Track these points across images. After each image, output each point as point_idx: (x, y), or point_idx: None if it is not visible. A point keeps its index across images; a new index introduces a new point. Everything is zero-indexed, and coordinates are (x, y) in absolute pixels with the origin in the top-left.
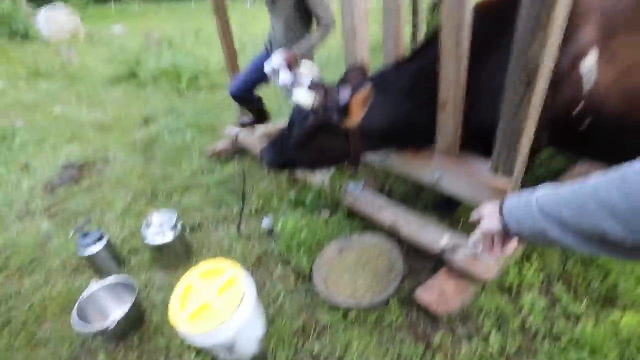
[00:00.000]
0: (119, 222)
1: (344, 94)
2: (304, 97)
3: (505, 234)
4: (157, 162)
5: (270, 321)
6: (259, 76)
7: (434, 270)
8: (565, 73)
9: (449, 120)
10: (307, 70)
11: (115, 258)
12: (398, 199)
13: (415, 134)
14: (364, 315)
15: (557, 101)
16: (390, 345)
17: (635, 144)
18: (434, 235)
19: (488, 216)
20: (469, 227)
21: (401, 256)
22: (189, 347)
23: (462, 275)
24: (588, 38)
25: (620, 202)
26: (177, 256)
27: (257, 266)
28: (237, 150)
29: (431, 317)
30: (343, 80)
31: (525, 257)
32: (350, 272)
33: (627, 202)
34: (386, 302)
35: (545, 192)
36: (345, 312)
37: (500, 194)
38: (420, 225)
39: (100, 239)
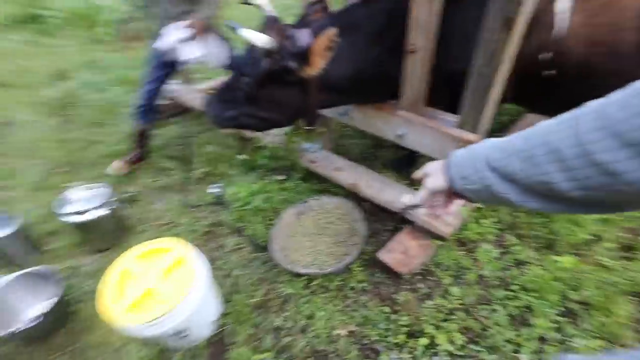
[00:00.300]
0: (31, 200)
1: (304, 37)
2: (258, 36)
3: (451, 192)
4: (77, 126)
5: (227, 299)
6: (162, 73)
7: (396, 229)
8: (538, 14)
9: (417, 70)
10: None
11: (29, 244)
12: (355, 159)
13: (383, 85)
14: (326, 282)
15: (526, 46)
16: (355, 310)
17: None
18: (395, 195)
19: (433, 173)
20: None
21: (362, 218)
22: (131, 340)
23: (423, 233)
24: None
25: (569, 146)
26: (108, 236)
27: (207, 239)
28: (177, 110)
29: (394, 276)
30: (302, 19)
31: (482, 210)
32: (310, 237)
33: (575, 145)
34: (349, 266)
35: (493, 144)
36: (308, 281)
37: None
38: (381, 186)
39: (7, 222)
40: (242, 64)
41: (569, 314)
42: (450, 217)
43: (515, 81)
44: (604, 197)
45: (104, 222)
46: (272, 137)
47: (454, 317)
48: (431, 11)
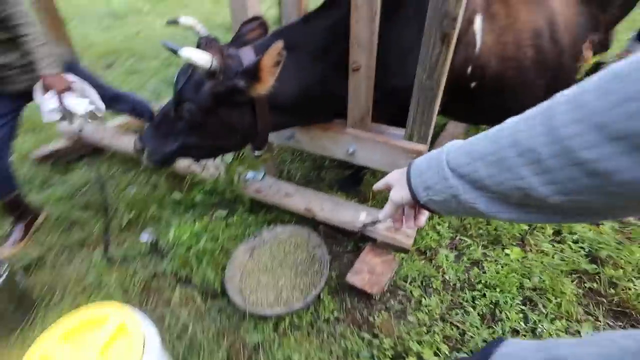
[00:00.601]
0: None
1: (247, 54)
2: (200, 56)
3: (415, 203)
4: None
5: None
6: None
7: (357, 249)
8: (461, 33)
9: (362, 86)
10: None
11: None
12: (300, 184)
13: (328, 104)
14: (296, 319)
15: (455, 61)
16: (333, 343)
17: (508, 107)
18: (351, 214)
19: (396, 184)
20: (379, 203)
21: (321, 243)
22: None
23: (385, 248)
24: (476, 1)
25: (544, 144)
26: (4, 317)
27: (146, 297)
28: (83, 152)
29: (364, 298)
30: (236, 38)
31: (434, 217)
32: (269, 273)
33: (551, 143)
34: (318, 297)
35: (456, 147)
36: (276, 322)
37: None
38: (335, 207)
39: None
40: (182, 89)
41: (528, 302)
42: (409, 229)
43: (445, 93)
44: (591, 202)
45: None
46: (209, 170)
47: (433, 328)
48: (371, 29)
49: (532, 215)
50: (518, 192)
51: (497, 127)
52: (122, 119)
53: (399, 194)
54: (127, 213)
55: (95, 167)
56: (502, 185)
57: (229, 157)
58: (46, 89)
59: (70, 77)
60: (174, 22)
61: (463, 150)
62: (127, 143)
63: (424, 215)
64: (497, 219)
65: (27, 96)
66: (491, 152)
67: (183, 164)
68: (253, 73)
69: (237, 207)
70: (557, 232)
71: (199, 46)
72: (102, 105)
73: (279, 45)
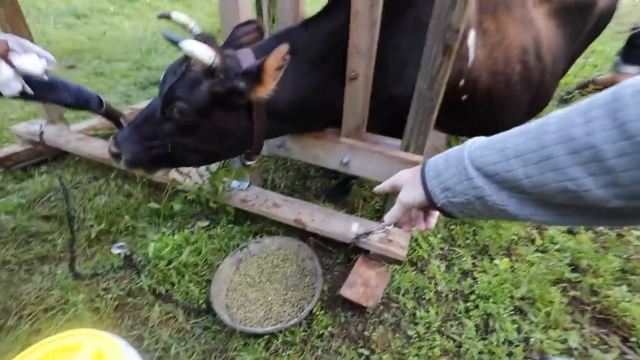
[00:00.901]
0: None
1: (246, 56)
2: (203, 50)
3: (430, 205)
4: None
5: None
6: None
7: (348, 261)
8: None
9: (359, 96)
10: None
11: None
12: (285, 193)
13: (324, 112)
14: (289, 335)
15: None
16: None
17: (494, 119)
18: (342, 225)
19: (406, 185)
20: (368, 213)
21: (311, 255)
22: None
23: (379, 260)
24: (471, 16)
25: (608, 140)
26: None
27: (120, 316)
28: (44, 156)
29: (358, 311)
30: (230, 40)
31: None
32: (257, 287)
33: (620, 139)
34: (310, 311)
35: (480, 144)
36: (268, 340)
37: None
38: (325, 217)
39: None
40: (174, 87)
41: (518, 311)
42: (402, 239)
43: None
44: None
45: None
46: (192, 178)
47: (430, 341)
48: (372, 37)
49: (571, 218)
50: (563, 195)
51: (537, 122)
52: (89, 122)
53: (411, 195)
54: (96, 224)
55: (58, 174)
56: (544, 187)
57: (214, 165)
58: None
59: (1, 36)
60: (165, 17)
61: (492, 147)
62: (96, 148)
63: (434, 217)
64: (528, 222)
65: None
66: (531, 149)
67: (162, 171)
68: (255, 75)
69: (219, 217)
70: (541, 242)
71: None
72: (50, 56)
73: (284, 48)
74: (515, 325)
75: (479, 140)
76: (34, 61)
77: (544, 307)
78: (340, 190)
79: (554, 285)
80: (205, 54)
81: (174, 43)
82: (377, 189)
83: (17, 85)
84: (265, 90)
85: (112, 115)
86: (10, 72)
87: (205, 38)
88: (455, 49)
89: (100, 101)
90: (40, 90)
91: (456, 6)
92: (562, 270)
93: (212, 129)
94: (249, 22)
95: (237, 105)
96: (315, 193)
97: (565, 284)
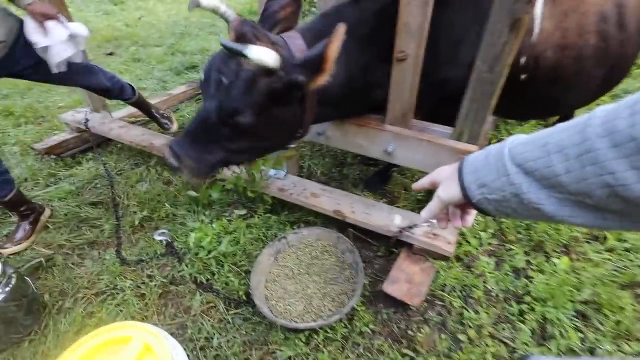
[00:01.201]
0: None
1: (295, 41)
2: (270, 55)
3: (466, 202)
4: None
5: None
6: None
7: (389, 254)
8: None
9: (407, 79)
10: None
11: None
12: (322, 181)
13: (370, 96)
14: (330, 331)
15: None
16: (371, 359)
17: (555, 100)
18: (384, 217)
19: (446, 181)
20: (410, 203)
21: (351, 247)
22: None
23: (423, 255)
24: None
25: None
26: (13, 327)
27: (164, 304)
28: (89, 144)
29: (400, 308)
30: (266, 17)
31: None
32: (295, 280)
33: None
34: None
35: (523, 140)
36: (307, 335)
37: None
38: (366, 208)
39: None
40: (230, 91)
41: (581, 316)
42: (449, 234)
43: None
44: None
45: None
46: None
47: (482, 347)
48: (425, 14)
49: (609, 222)
50: (602, 190)
51: (584, 116)
52: (128, 110)
53: (449, 191)
54: (139, 211)
55: (103, 160)
56: (583, 182)
57: None
58: (39, 19)
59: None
60: (196, 5)
61: (534, 143)
62: (136, 136)
63: (472, 215)
64: (564, 223)
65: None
66: (573, 143)
67: None
68: (317, 65)
69: (257, 206)
70: (605, 239)
71: (234, 33)
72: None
73: (342, 30)
74: (580, 334)
75: (521, 137)
76: (80, 26)
77: (612, 313)
78: (380, 178)
79: (623, 290)
80: (272, 58)
81: (238, 53)
82: (416, 185)
83: (71, 48)
84: (325, 78)
85: (143, 105)
86: (66, 33)
87: (247, 25)
88: (525, 24)
89: (133, 90)
90: (82, 73)
91: None
92: (634, 272)
93: (269, 126)
94: None
95: (293, 98)
96: (353, 181)
97: (637, 289)
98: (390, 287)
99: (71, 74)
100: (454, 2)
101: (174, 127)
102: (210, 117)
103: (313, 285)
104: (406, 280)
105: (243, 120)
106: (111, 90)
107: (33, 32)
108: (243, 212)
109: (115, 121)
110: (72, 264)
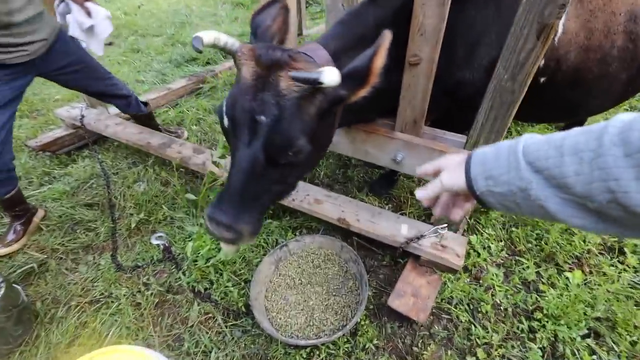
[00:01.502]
0: None
1: (318, 54)
2: (337, 74)
3: (469, 192)
4: None
5: None
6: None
7: (394, 263)
8: None
9: (420, 84)
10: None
11: None
12: (325, 183)
13: (380, 102)
14: (332, 346)
15: None
16: None
17: (576, 104)
18: (391, 226)
19: (451, 168)
20: (416, 210)
21: (357, 259)
22: None
23: (429, 266)
24: None
25: None
26: (4, 335)
27: (161, 313)
28: (85, 141)
29: (405, 322)
30: (261, 34)
31: (481, 230)
32: (297, 290)
33: None
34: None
35: (538, 139)
36: (309, 351)
37: None
38: (372, 216)
39: None
40: (282, 128)
41: (594, 335)
42: (457, 246)
43: None
44: None
45: None
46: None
47: None
48: (441, 16)
49: (608, 227)
50: (604, 195)
51: (601, 124)
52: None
53: (452, 178)
54: (136, 213)
55: (99, 159)
56: (588, 186)
57: None
58: (80, 1)
59: None
60: (199, 46)
61: (549, 144)
62: (132, 134)
63: (463, 210)
64: (564, 223)
65: (34, 68)
66: (590, 148)
67: (198, 160)
68: (361, 77)
69: None
70: (620, 251)
71: (270, 61)
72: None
73: (388, 39)
74: (593, 356)
75: (537, 136)
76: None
77: (627, 333)
78: (386, 182)
79: (639, 307)
80: (337, 78)
81: (313, 82)
82: (420, 170)
83: (110, 26)
84: (367, 90)
85: (150, 122)
86: (106, 11)
87: (270, 48)
88: (555, 31)
89: (145, 104)
90: (102, 79)
91: None
92: None
93: (316, 147)
94: (270, 4)
95: (334, 113)
96: (358, 184)
97: None
98: (396, 302)
99: (92, 79)
100: (472, 2)
101: (185, 135)
102: (256, 164)
103: (315, 296)
104: (412, 294)
105: (300, 150)
106: (130, 97)
107: (78, 15)
108: None
109: (112, 117)
110: (66, 269)
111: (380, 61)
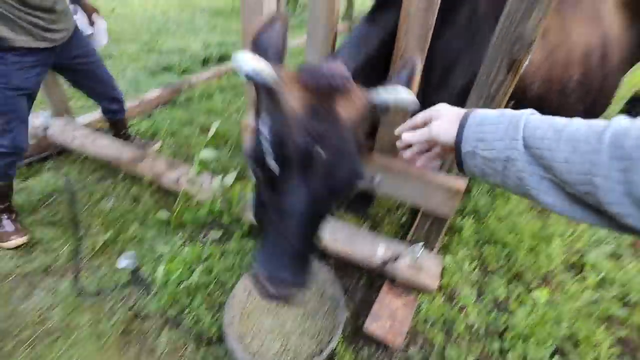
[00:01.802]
0: None
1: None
2: (407, 95)
3: (453, 148)
4: None
5: None
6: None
7: (370, 284)
8: None
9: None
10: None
11: None
12: None
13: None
14: None
15: None
16: None
17: None
18: (368, 247)
19: (445, 119)
20: (393, 228)
21: (332, 278)
22: None
23: (406, 288)
24: None
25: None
26: None
27: (126, 343)
28: (48, 152)
29: (382, 345)
30: (274, 53)
31: (456, 251)
32: (273, 314)
33: None
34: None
35: (542, 118)
36: None
37: (456, 197)
38: (349, 237)
39: None
40: (337, 156)
41: (561, 353)
42: (433, 266)
43: None
44: None
45: None
46: (203, 190)
47: None
48: (422, 47)
49: (579, 212)
50: (585, 187)
51: (605, 121)
52: (94, 115)
53: (442, 128)
54: (102, 232)
55: (63, 172)
56: (574, 175)
57: (229, 179)
58: (89, 12)
59: None
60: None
61: (550, 125)
62: (102, 147)
63: (434, 164)
64: (538, 199)
65: (54, 56)
66: (588, 142)
67: (172, 176)
68: None
69: (232, 230)
70: (582, 268)
71: (333, 88)
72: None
73: (420, 66)
74: None
75: (539, 116)
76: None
77: (590, 349)
78: (364, 200)
79: (601, 324)
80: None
81: (399, 107)
82: (409, 123)
83: (106, 37)
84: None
85: (125, 129)
86: (104, 24)
87: (336, 75)
88: (524, 64)
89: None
90: (106, 83)
91: (534, 12)
92: (608, 306)
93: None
94: (272, 21)
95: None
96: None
97: (612, 324)
98: (373, 325)
99: (99, 77)
100: (450, 26)
101: (156, 146)
102: (316, 204)
103: (291, 320)
104: (389, 317)
105: (360, 179)
106: (122, 103)
107: (82, 21)
108: (219, 234)
109: (80, 128)
110: (20, 296)
111: (415, 86)
